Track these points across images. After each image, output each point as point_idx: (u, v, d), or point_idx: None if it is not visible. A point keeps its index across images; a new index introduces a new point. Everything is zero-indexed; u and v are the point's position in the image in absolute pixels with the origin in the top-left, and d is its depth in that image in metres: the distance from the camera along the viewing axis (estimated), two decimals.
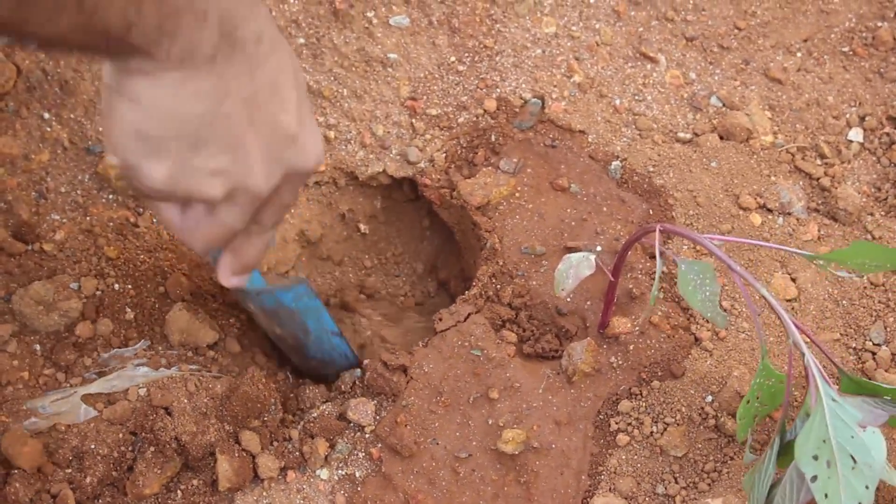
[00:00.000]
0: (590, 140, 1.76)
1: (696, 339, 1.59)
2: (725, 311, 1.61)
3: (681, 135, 1.77)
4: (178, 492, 1.48)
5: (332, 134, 1.76)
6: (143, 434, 1.49)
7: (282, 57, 1.17)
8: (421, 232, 1.91)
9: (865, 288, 1.64)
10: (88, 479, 1.44)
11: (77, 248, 1.63)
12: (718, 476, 1.47)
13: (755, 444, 1.47)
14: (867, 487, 1.22)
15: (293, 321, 1.58)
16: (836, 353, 1.58)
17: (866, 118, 1.81)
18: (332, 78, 1.78)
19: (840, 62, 1.88)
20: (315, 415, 1.55)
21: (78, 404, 1.50)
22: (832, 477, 1.23)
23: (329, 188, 1.80)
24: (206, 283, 1.71)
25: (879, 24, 1.90)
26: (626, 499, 1.48)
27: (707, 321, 1.59)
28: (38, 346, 1.55)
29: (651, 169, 1.73)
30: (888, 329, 1.60)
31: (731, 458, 1.48)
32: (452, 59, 1.82)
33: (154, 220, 1.69)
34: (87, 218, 1.66)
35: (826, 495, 1.23)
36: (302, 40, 1.80)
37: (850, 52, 1.88)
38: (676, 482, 1.47)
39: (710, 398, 1.52)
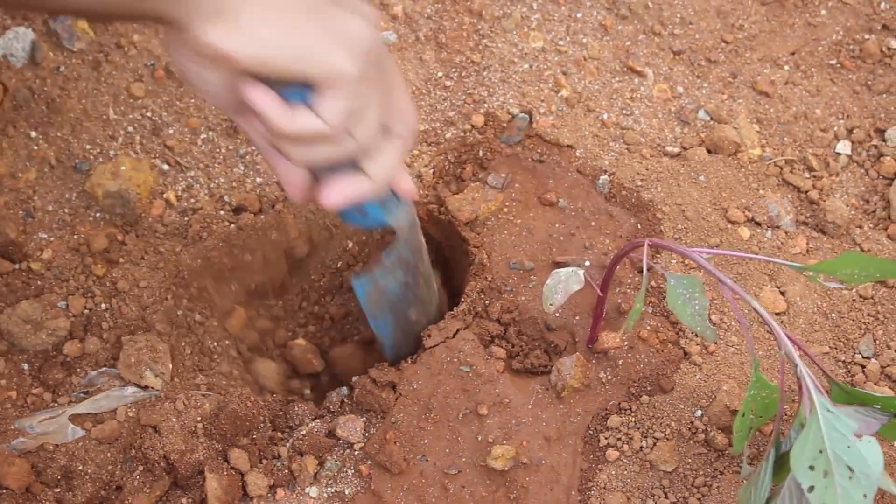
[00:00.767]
0: (578, 154, 1.76)
1: (686, 354, 1.58)
2: (714, 324, 1.61)
3: (669, 149, 1.77)
4: None
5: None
6: (132, 453, 1.48)
7: None
8: None
9: (854, 301, 1.64)
10: (77, 499, 1.44)
11: (65, 266, 1.63)
12: (709, 491, 1.47)
13: (748, 458, 1.47)
14: (865, 497, 1.22)
15: (417, 244, 1.55)
16: (825, 366, 1.57)
17: (854, 131, 1.81)
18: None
19: (827, 75, 1.88)
20: (304, 432, 1.55)
21: (66, 424, 1.50)
22: (829, 487, 1.22)
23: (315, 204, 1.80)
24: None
25: (867, 36, 1.90)
26: None
27: (696, 335, 1.59)
28: (25, 366, 1.55)
29: (639, 183, 1.73)
30: (877, 342, 1.60)
31: (721, 473, 1.48)
32: (440, 74, 1.82)
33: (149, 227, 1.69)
34: (75, 236, 1.66)
35: None
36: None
37: (838, 65, 1.89)
38: (666, 497, 1.47)
39: (699, 413, 1.52)
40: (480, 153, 1.75)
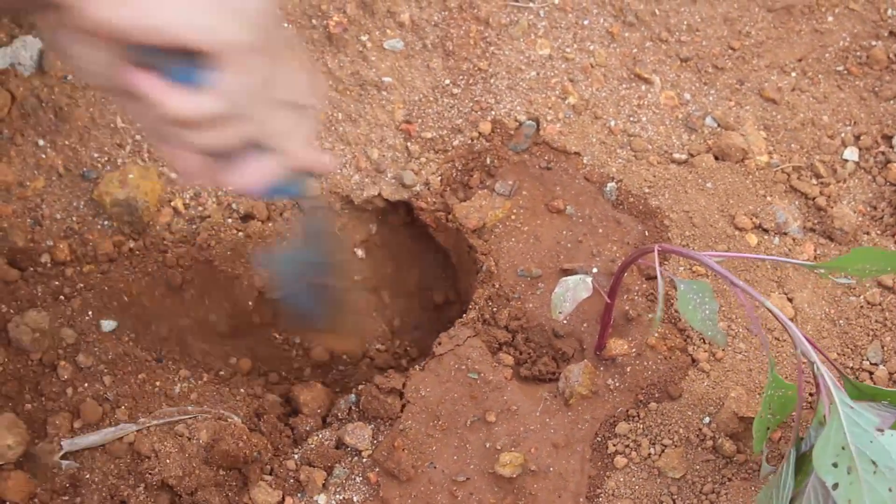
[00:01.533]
0: (585, 162, 1.76)
1: (693, 361, 1.58)
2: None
3: (676, 155, 1.77)
4: None
5: (326, 158, 1.75)
6: (132, 478, 1.49)
7: None
8: (416, 255, 1.91)
9: (862, 307, 1.64)
10: None
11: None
12: (717, 497, 1.47)
13: (760, 460, 1.47)
14: (890, 490, 1.22)
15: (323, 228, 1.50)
16: (833, 373, 1.57)
17: (861, 137, 1.81)
18: (327, 102, 1.78)
19: (835, 81, 1.88)
20: (312, 445, 1.55)
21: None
22: (854, 483, 1.23)
23: (324, 212, 1.80)
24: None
25: (873, 43, 1.90)
26: None
27: (704, 342, 1.59)
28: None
29: (646, 190, 1.73)
30: (885, 348, 1.60)
31: (730, 480, 1.48)
32: (447, 81, 1.82)
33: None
34: (83, 245, 1.66)
35: (850, 502, 1.22)
36: (296, 64, 1.79)
37: (845, 72, 1.88)
38: None
39: (707, 419, 1.52)
40: (488, 160, 1.75)
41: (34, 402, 1.55)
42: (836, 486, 1.23)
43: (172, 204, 1.72)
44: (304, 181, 1.31)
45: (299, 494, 1.52)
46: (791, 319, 1.62)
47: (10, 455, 1.46)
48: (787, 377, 1.56)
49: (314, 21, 1.82)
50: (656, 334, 1.59)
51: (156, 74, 1.08)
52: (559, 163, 1.75)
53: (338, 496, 1.51)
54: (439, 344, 1.59)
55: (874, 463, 1.22)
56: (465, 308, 1.68)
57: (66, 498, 1.49)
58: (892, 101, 1.84)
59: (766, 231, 1.71)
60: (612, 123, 1.80)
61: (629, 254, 1.61)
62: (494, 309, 1.64)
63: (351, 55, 1.81)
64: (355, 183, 1.75)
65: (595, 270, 1.65)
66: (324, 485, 1.52)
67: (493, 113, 1.79)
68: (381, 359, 1.82)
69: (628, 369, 1.57)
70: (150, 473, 1.49)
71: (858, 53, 1.90)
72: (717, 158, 1.77)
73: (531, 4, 1.89)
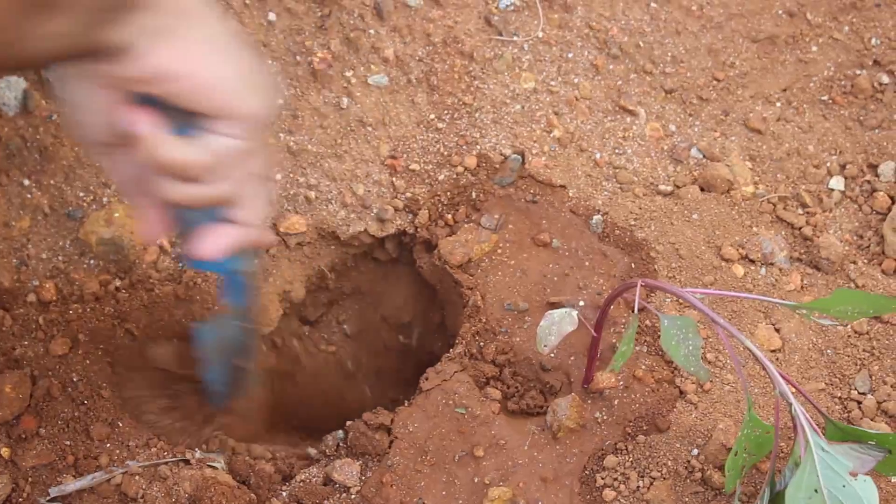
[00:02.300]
0: (571, 195, 1.76)
1: (681, 392, 1.58)
2: (710, 363, 1.61)
3: (661, 187, 1.77)
4: None
5: (312, 194, 1.76)
6: None
7: None
8: (402, 290, 1.91)
9: (850, 337, 1.64)
10: None
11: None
12: None
13: (743, 497, 1.47)
14: None
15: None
16: (821, 403, 1.57)
17: (847, 166, 1.81)
18: (312, 138, 1.78)
19: (819, 111, 1.88)
20: (300, 482, 1.54)
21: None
22: None
23: (311, 248, 1.80)
24: None
25: (858, 72, 1.91)
26: None
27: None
28: None
29: (632, 222, 1.73)
30: (873, 378, 1.59)
31: None
32: (432, 116, 1.82)
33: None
34: (69, 284, 1.66)
35: None
36: (280, 101, 1.80)
37: (830, 101, 1.89)
38: None
39: (695, 451, 1.52)
40: (473, 195, 1.75)
41: None
42: None
43: (158, 242, 1.71)
44: (251, 256, 1.35)
45: None
46: (779, 350, 1.62)
47: None
48: (771, 412, 1.56)
49: (298, 58, 1.83)
50: (643, 367, 1.59)
51: (157, 120, 1.12)
52: (545, 196, 1.76)
53: None
54: (426, 379, 1.58)
55: None
56: (451, 342, 1.67)
57: None
58: (877, 130, 1.84)
59: (752, 262, 1.71)
60: (598, 156, 1.80)
61: (615, 287, 1.60)
62: (481, 343, 1.64)
63: (336, 91, 1.82)
64: (341, 219, 1.75)
65: (582, 303, 1.65)
66: None
67: (478, 147, 1.79)
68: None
69: (616, 402, 1.56)
70: None
71: (843, 83, 1.90)
72: (702, 189, 1.77)
73: (515, 38, 1.90)
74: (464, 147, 1.79)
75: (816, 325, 1.65)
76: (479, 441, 1.53)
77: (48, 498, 1.49)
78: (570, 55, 1.90)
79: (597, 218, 1.73)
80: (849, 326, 1.64)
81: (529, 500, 1.49)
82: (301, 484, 1.54)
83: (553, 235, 1.72)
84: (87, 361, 1.61)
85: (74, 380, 1.57)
